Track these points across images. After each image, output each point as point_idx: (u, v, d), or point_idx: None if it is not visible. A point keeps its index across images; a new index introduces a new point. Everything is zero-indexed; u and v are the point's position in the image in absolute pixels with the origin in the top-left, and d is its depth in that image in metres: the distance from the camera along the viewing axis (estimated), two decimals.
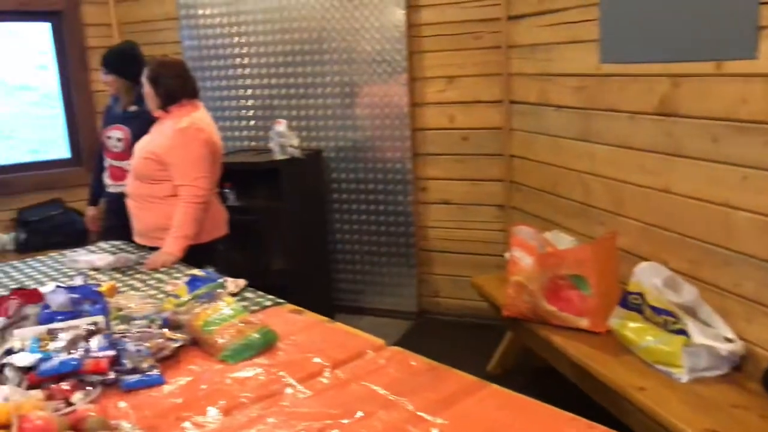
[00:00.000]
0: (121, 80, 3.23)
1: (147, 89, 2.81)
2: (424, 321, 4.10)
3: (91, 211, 3.53)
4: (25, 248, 4.27)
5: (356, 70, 3.98)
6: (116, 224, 3.24)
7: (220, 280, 2.05)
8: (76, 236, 4.41)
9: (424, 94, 3.91)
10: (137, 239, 2.94)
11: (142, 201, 2.85)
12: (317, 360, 1.69)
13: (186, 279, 2.16)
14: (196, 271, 2.19)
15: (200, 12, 4.27)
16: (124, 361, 1.65)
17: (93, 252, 2.90)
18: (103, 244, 3.08)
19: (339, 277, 4.29)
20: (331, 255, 4.26)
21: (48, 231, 4.33)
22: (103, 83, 3.36)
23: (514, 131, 3.71)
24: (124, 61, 3.20)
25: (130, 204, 2.92)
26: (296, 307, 2.12)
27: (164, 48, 4.24)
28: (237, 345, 1.75)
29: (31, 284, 2.48)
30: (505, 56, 3.65)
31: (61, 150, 4.66)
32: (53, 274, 2.62)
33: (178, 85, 2.79)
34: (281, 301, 2.18)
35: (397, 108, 3.92)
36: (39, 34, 4.51)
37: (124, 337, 1.74)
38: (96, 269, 2.64)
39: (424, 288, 4.15)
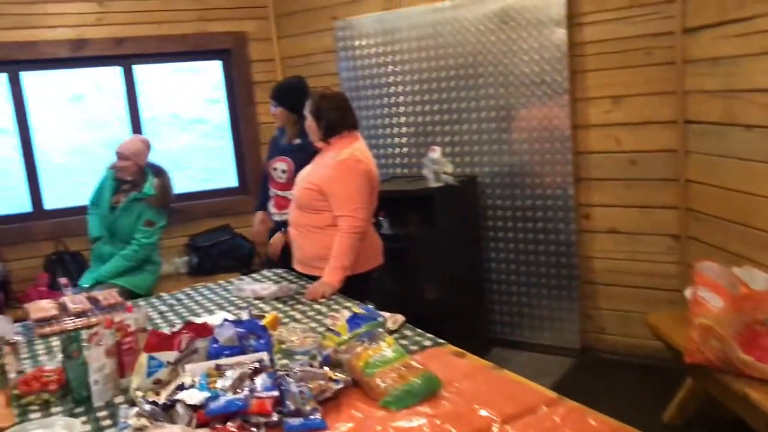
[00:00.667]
0: (287, 113, 3.33)
1: (309, 122, 2.86)
2: (588, 359, 3.82)
3: (258, 216, 3.61)
4: (196, 272, 4.55)
5: (513, 93, 3.83)
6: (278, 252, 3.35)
7: (380, 319, 2.00)
8: (242, 260, 4.64)
9: (587, 116, 3.67)
10: (297, 267, 2.99)
11: (303, 230, 2.90)
12: (484, 413, 1.56)
13: (346, 315, 2.13)
14: (356, 308, 2.15)
15: (356, 43, 4.34)
16: (287, 402, 1.63)
17: (257, 281, 2.98)
18: (266, 272, 3.17)
19: (494, 308, 4.12)
20: (486, 285, 4.11)
21: (217, 256, 4.59)
22: (272, 116, 3.49)
23: (690, 154, 3.36)
24: (292, 95, 3.30)
25: (292, 232, 2.98)
26: (458, 350, 2.01)
27: (323, 80, 4.36)
28: (399, 391, 1.67)
29: (201, 312, 2.60)
30: (679, 72, 3.33)
31: (230, 179, 4.94)
32: (221, 302, 2.73)
33: (338, 117, 2.81)
34: (441, 341, 2.08)
35: (558, 131, 3.71)
36: (210, 71, 4.84)
37: (287, 375, 1.72)
38: (260, 298, 2.71)
39: (588, 323, 3.87)
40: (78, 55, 4.31)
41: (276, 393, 1.63)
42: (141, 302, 2.84)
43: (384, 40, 4.24)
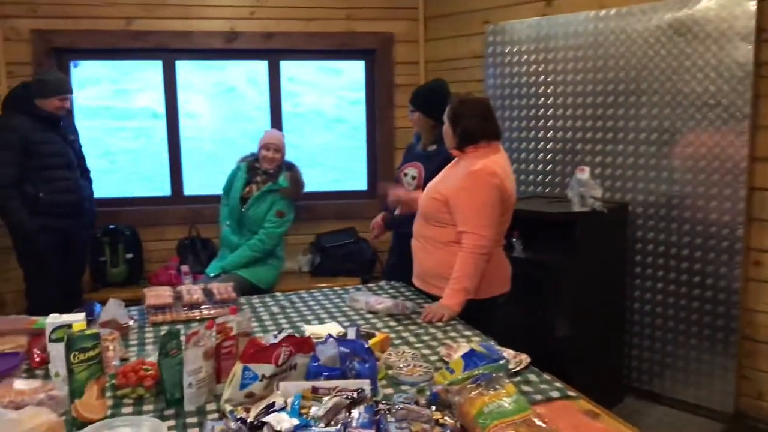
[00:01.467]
0: (424, 118, 3.14)
1: (446, 127, 2.64)
2: (741, 427, 3.28)
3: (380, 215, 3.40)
4: (318, 272, 4.48)
5: (680, 115, 3.38)
6: (398, 263, 3.15)
7: (502, 362, 1.73)
8: (364, 266, 4.52)
9: None
10: (415, 281, 2.78)
11: (425, 242, 2.68)
12: None
13: (464, 348, 1.89)
14: (475, 344, 1.90)
15: (507, 49, 4.07)
16: None
17: (374, 293, 2.80)
18: (384, 284, 3.00)
19: (633, 353, 3.67)
20: (627, 326, 3.67)
21: (340, 258, 4.50)
22: (409, 120, 3.32)
23: None
24: (431, 100, 3.11)
25: (414, 244, 2.77)
26: (592, 407, 1.69)
27: (467, 86, 4.14)
28: None
29: (312, 319, 2.46)
30: None
31: (360, 181, 4.84)
32: (333, 311, 2.57)
33: (477, 126, 2.56)
34: (572, 394, 1.77)
35: (731, 161, 3.22)
36: (349, 72, 4.77)
37: (388, 411, 1.51)
38: (373, 312, 2.52)
39: (745, 386, 3.33)
40: (229, 47, 4.39)
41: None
42: (255, 299, 2.76)
43: (538, 48, 3.93)
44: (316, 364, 1.71)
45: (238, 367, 1.63)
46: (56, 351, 1.78)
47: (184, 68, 4.50)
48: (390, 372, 1.91)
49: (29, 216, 3.50)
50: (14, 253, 3.70)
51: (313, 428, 1.41)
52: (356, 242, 4.55)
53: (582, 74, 3.75)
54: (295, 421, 1.42)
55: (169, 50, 4.37)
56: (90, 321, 2.09)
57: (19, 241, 3.61)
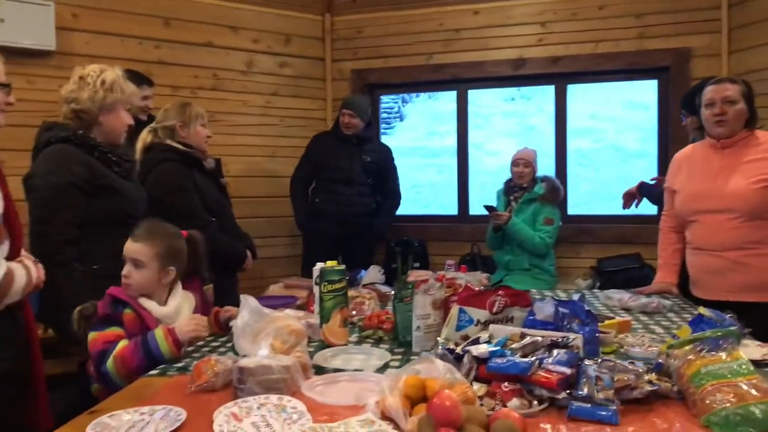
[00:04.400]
0: (694, 119, 2.94)
1: (739, 107, 2.41)
2: None
3: None
4: None
5: None
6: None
7: (734, 327, 1.53)
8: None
9: None
10: (733, 296, 2.38)
11: (762, 246, 2.39)
12: None
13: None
14: (703, 309, 1.71)
15: None
16: (581, 384, 1.38)
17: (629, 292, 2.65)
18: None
19: None
20: None
21: (622, 283, 4.26)
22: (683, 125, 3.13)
23: None
24: (692, 97, 2.91)
25: (734, 255, 2.42)
26: None
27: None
28: (730, 412, 1.25)
29: None
30: None
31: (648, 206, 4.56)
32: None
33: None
34: None
35: None
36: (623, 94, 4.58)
37: (594, 362, 1.47)
38: (626, 309, 2.40)
39: None
40: (517, 74, 4.61)
41: (568, 370, 1.40)
42: None
43: None
44: (532, 318, 1.73)
45: (454, 309, 1.75)
46: (317, 291, 2.11)
47: (492, 114, 4.87)
48: (621, 349, 1.82)
49: (304, 214, 4.25)
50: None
51: (508, 356, 1.45)
52: (641, 268, 4.28)
53: None
54: (491, 348, 1.48)
55: (462, 80, 4.76)
56: (355, 282, 2.42)
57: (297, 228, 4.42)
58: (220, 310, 2.18)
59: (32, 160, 2.31)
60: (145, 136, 2.84)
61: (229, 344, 1.99)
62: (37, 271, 1.85)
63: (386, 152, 4.43)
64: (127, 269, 1.92)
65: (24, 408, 1.87)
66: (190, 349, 1.94)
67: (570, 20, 4.50)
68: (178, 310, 1.98)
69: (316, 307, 2.12)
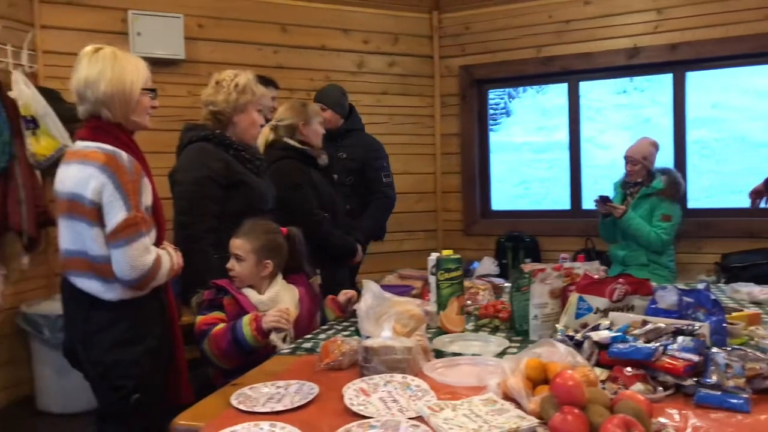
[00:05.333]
0: None
1: None
2: None
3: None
4: None
5: None
6: None
7: None
8: None
9: None
10: None
11: None
12: None
13: None
14: None
15: None
16: (710, 372, 1.36)
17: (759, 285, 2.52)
18: None
19: None
20: None
21: (751, 279, 4.03)
22: None
23: None
24: None
25: None
26: None
27: None
28: None
29: None
30: None
31: None
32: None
33: None
34: None
35: None
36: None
37: (724, 350, 1.43)
38: (756, 303, 2.29)
39: None
40: (631, 63, 4.47)
41: (695, 358, 1.38)
42: None
43: None
44: (653, 306, 1.71)
45: (573, 297, 1.75)
46: (433, 280, 2.17)
47: (604, 107, 4.75)
48: (752, 341, 1.75)
49: None
50: None
51: (630, 341, 1.45)
52: None
53: None
54: (613, 334, 1.48)
55: (573, 72, 4.67)
56: (469, 273, 2.46)
57: None
58: (335, 297, 2.31)
59: (176, 158, 2.53)
60: (267, 134, 3.01)
61: (352, 328, 2.10)
62: (177, 258, 2.04)
63: (368, 146, 3.76)
64: (230, 262, 2.11)
65: (168, 382, 2.06)
66: (316, 330, 2.07)
67: (688, 5, 4.30)
68: (274, 300, 2.12)
69: (432, 296, 2.18)
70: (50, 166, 3.66)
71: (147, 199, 1.93)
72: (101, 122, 1.93)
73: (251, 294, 2.10)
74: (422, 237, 4.99)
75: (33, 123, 3.50)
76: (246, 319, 1.93)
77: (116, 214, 1.82)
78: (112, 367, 1.91)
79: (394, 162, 4.74)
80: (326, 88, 3.84)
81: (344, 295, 2.31)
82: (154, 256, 1.86)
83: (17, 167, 3.41)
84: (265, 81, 3.42)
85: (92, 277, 1.88)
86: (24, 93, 3.49)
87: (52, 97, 3.65)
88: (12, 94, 3.47)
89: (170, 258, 1.98)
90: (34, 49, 3.82)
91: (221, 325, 1.97)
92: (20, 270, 3.65)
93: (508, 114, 5.13)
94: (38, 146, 3.51)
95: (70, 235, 1.89)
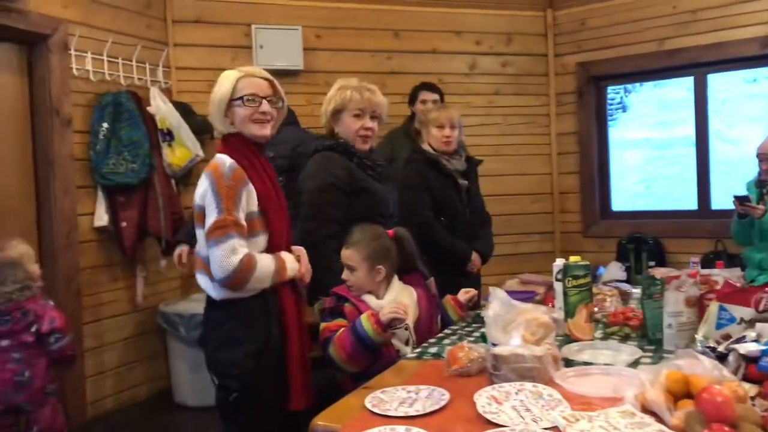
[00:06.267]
0: None
1: None
2: None
3: None
4: None
5: None
6: None
7: None
8: None
9: None
10: None
11: None
12: None
13: None
14: None
15: None
16: None
17: None
18: None
19: None
20: None
21: None
22: None
23: None
24: None
25: None
26: None
27: None
28: None
29: None
30: None
31: None
32: None
33: None
34: None
35: None
36: None
37: None
38: None
39: None
40: (765, 53, 4.16)
41: None
42: None
43: None
44: None
45: (713, 306, 1.67)
46: (558, 287, 2.14)
47: (731, 98, 4.47)
48: None
49: None
50: None
51: None
52: None
53: None
54: (762, 348, 1.39)
55: (699, 64, 4.41)
56: (594, 280, 2.39)
57: None
58: (455, 297, 2.32)
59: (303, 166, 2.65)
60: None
61: (475, 333, 2.11)
62: (300, 266, 2.12)
63: (295, 139, 3.44)
64: (345, 273, 2.15)
65: (276, 385, 2.06)
66: (440, 335, 2.10)
67: None
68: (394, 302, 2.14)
69: (557, 302, 2.14)
70: (184, 175, 3.94)
71: (251, 205, 2.01)
72: (226, 135, 2.09)
73: (371, 300, 2.13)
74: (538, 239, 4.91)
75: (169, 135, 3.77)
76: (364, 316, 1.97)
77: (210, 216, 1.95)
78: (217, 365, 2.04)
79: (509, 163, 4.72)
80: None
81: (465, 293, 2.33)
82: (239, 257, 1.93)
83: (156, 177, 3.68)
84: (425, 86, 3.87)
85: (204, 275, 2.03)
86: (161, 108, 3.77)
87: (184, 110, 3.92)
88: (150, 109, 3.76)
89: (276, 263, 2.03)
90: (168, 66, 4.10)
91: (343, 330, 2.03)
92: (158, 272, 3.95)
93: (624, 109, 4.93)
94: (173, 157, 3.78)
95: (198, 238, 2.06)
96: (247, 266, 1.94)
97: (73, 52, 3.44)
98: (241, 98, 2.03)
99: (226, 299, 2.02)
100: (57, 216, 3.40)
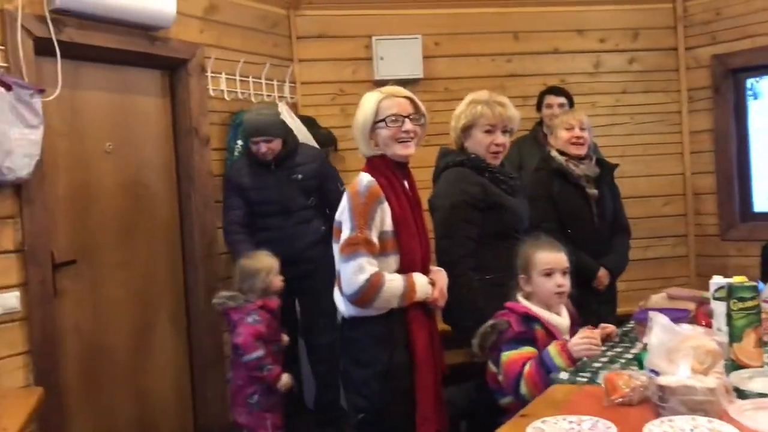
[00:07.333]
0: None
1: None
2: None
3: None
4: None
5: None
6: None
7: None
8: None
9: None
10: None
11: None
12: None
13: None
14: None
15: None
16: None
17: None
18: None
19: None
20: None
21: None
22: None
23: None
24: None
25: None
26: None
27: None
28: None
29: None
30: None
31: None
32: None
33: None
34: None
35: None
36: None
37: None
38: None
39: None
40: None
41: None
42: None
43: None
44: None
45: None
46: (718, 307, 2.00)
47: None
48: None
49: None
50: None
51: None
52: None
53: None
54: None
55: None
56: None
57: None
58: (593, 327, 2.12)
59: (433, 183, 2.64)
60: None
61: (626, 355, 2.02)
62: (433, 290, 2.11)
63: (316, 157, 3.59)
64: (560, 279, 2.07)
65: (408, 407, 2.04)
66: (590, 357, 2.02)
67: None
68: (566, 322, 2.08)
69: (715, 323, 2.01)
70: None
71: (384, 225, 2.02)
72: (370, 157, 2.13)
73: (557, 321, 2.06)
74: (670, 243, 4.65)
75: None
76: (553, 351, 1.91)
77: (344, 232, 2.00)
78: (347, 383, 2.11)
79: (637, 164, 4.49)
80: (258, 117, 3.36)
81: (604, 330, 2.19)
82: (366, 276, 1.94)
83: None
84: (550, 90, 3.89)
85: (338, 291, 2.09)
86: (288, 123, 3.89)
87: (309, 123, 4.02)
88: None
89: (406, 284, 2.02)
90: (293, 81, 4.24)
91: (529, 365, 1.93)
92: None
93: (755, 96, 4.54)
94: None
95: None
96: (374, 285, 1.96)
97: (209, 74, 3.62)
98: (384, 119, 2.05)
99: (355, 317, 2.06)
100: (198, 228, 3.59)
